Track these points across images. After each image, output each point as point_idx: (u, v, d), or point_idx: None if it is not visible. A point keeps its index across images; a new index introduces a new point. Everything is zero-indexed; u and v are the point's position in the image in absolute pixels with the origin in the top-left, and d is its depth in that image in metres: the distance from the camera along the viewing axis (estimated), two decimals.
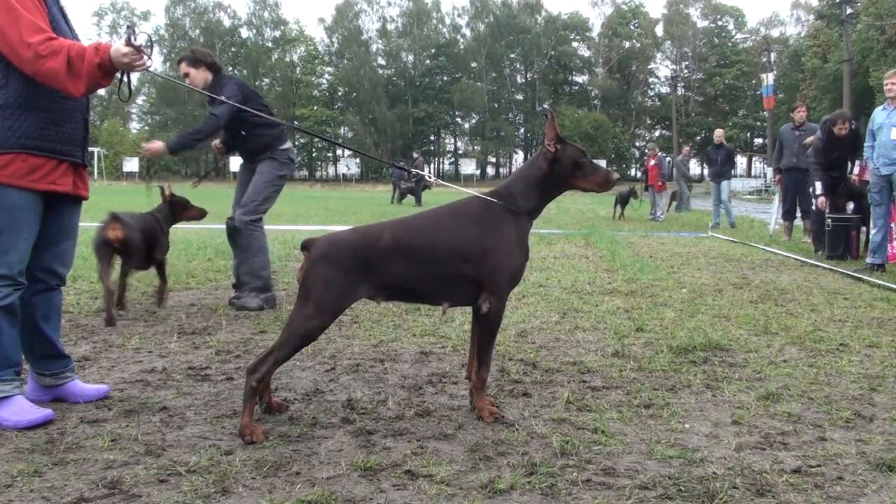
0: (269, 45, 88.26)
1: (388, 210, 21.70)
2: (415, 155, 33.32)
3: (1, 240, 3.25)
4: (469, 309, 3.58)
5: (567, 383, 4.06)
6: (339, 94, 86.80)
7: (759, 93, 45.89)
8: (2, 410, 3.28)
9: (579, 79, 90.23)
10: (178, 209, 6.45)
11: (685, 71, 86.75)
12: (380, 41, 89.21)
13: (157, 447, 3.03)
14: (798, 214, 13.11)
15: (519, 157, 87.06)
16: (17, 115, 3.23)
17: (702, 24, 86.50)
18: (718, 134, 18.41)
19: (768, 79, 27.18)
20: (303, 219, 17.09)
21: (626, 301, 6.60)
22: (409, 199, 26.32)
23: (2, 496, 2.57)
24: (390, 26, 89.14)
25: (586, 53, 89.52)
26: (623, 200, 20.52)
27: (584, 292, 7.09)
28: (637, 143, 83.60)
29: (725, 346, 4.90)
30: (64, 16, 3.48)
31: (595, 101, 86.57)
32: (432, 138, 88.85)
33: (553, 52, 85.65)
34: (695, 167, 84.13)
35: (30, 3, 3.18)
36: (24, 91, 3.22)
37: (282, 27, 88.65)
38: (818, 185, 10.57)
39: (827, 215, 10.28)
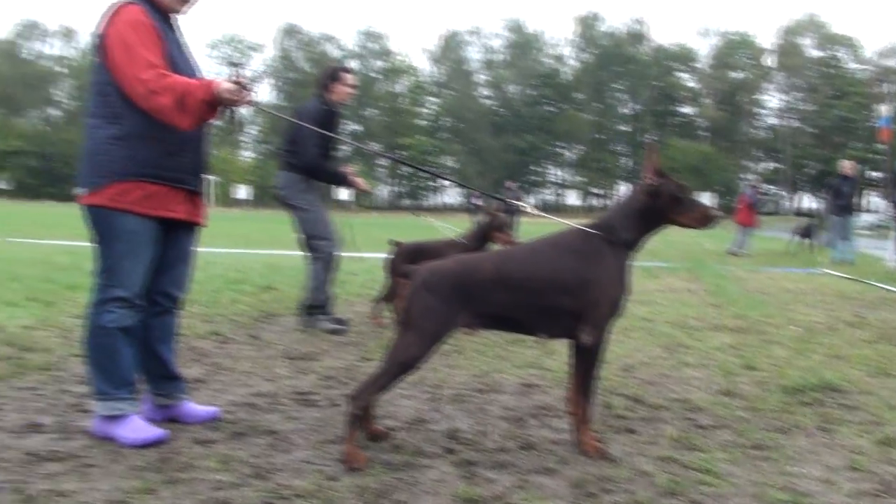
0: (376, 75, 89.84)
1: None
2: (508, 184, 33.27)
3: (121, 264, 3.39)
4: (569, 341, 3.55)
5: (673, 420, 3.98)
6: (444, 124, 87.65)
7: (874, 125, 44.29)
8: (119, 428, 3.40)
9: (686, 110, 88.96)
10: (491, 232, 6.29)
11: (797, 102, 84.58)
12: (485, 72, 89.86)
13: (265, 470, 3.09)
14: None
15: (622, 189, 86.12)
16: (136, 145, 3.38)
17: (815, 54, 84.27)
18: (847, 165, 17.05)
19: (885, 110, 26.28)
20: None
21: (735, 337, 6.44)
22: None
23: None
24: (495, 57, 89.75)
25: (693, 84, 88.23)
26: (805, 233, 20.01)
27: (691, 327, 6.95)
28: (744, 176, 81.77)
29: (840, 387, 4.72)
30: (182, 48, 3.63)
31: (702, 133, 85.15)
32: (535, 169, 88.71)
33: (659, 83, 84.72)
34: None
35: (147, 38, 3.33)
36: (142, 123, 3.37)
37: (388, 58, 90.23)
38: None
39: None
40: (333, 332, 6.33)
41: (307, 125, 5.69)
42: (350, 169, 6.72)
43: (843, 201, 16.40)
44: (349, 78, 6.58)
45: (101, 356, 3.42)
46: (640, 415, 4.08)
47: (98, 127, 3.40)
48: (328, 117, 6.38)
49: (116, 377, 3.43)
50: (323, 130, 5.69)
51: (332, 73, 6.62)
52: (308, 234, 6.60)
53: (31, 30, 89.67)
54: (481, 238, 6.29)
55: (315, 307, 6.53)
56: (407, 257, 6.31)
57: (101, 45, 3.38)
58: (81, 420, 3.72)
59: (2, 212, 36.62)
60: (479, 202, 36.15)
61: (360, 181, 6.78)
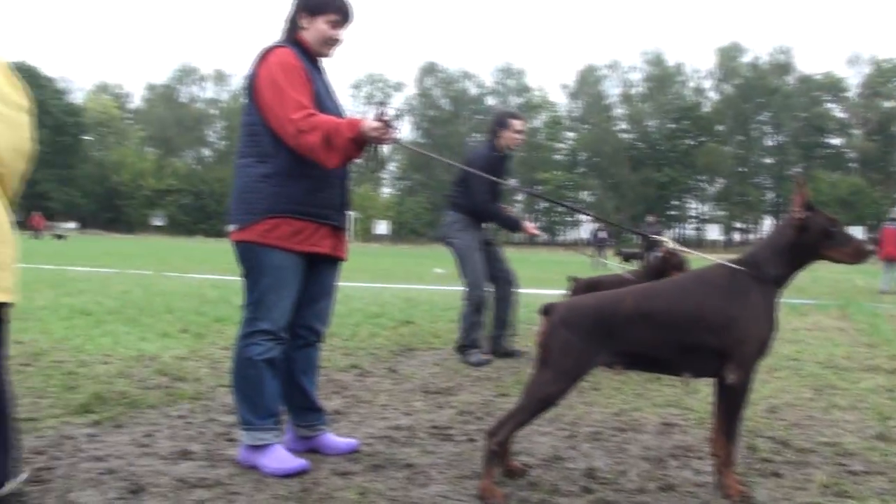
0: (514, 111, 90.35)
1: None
2: (649, 219, 32.70)
3: (267, 297, 3.52)
4: (713, 380, 3.45)
5: (822, 465, 3.80)
6: (581, 158, 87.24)
7: None
8: (263, 458, 3.51)
9: (834, 141, 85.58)
10: (668, 270, 6.05)
11: None
12: (622, 105, 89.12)
13: None
14: None
15: (767, 223, 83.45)
16: (285, 183, 3.51)
17: None
18: None
19: None
20: (542, 283, 17.19)
21: (890, 379, 6.11)
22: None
23: None
24: (633, 91, 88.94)
25: (842, 114, 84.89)
26: None
27: (841, 368, 6.64)
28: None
29: None
30: (328, 88, 3.76)
31: (852, 165, 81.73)
32: (675, 203, 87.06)
33: (805, 114, 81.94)
34: None
35: (296, 80, 3.47)
36: (291, 161, 3.50)
37: (525, 94, 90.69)
38: None
39: None
40: (478, 364, 6.49)
41: (477, 171, 5.88)
42: (512, 211, 6.96)
43: None
44: (516, 124, 6.79)
45: (248, 387, 3.55)
46: (787, 458, 3.92)
47: (248, 166, 3.57)
48: (496, 162, 6.72)
49: (261, 408, 3.55)
50: (491, 175, 5.84)
51: (500, 120, 6.90)
52: (461, 274, 6.85)
53: (187, 74, 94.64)
54: (657, 274, 6.12)
55: (465, 346, 6.72)
56: (584, 293, 6.28)
57: (253, 86, 3.55)
58: (228, 449, 3.86)
59: (157, 247, 38.52)
60: (605, 235, 35.87)
61: (531, 226, 6.98)
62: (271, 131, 3.49)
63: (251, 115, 3.57)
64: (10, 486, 2.56)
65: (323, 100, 3.61)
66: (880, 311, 11.93)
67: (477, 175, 6.17)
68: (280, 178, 3.51)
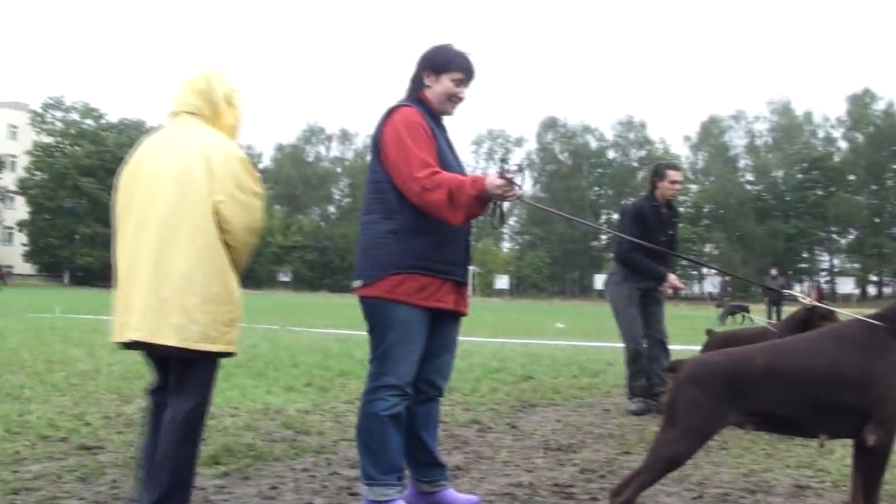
0: (635, 164, 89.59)
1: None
2: (773, 272, 31.73)
3: (394, 352, 3.57)
4: (850, 441, 3.29)
5: None
6: (706, 210, 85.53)
7: None
8: None
9: None
10: (815, 321, 5.63)
11: None
12: (748, 157, 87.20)
13: None
14: None
15: None
16: (410, 239, 3.57)
17: None
18: None
19: None
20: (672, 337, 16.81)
21: None
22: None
23: None
24: (758, 141, 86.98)
25: None
26: None
27: None
28: None
29: None
30: (450, 146, 3.83)
31: None
32: (805, 255, 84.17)
33: None
34: None
35: (421, 138, 3.55)
36: (416, 217, 3.56)
37: (647, 147, 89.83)
38: None
39: None
40: (635, 413, 6.67)
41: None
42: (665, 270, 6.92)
43: None
44: (671, 174, 6.96)
45: (372, 442, 3.59)
46: None
47: (374, 222, 3.64)
48: (651, 213, 6.93)
49: (385, 463, 3.57)
50: (649, 226, 6.48)
51: (657, 171, 7.21)
52: (617, 325, 7.05)
53: (314, 134, 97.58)
54: (799, 326, 5.85)
55: (631, 395, 6.90)
56: (720, 346, 6.12)
57: (378, 144, 3.65)
58: (351, 503, 3.90)
59: (282, 302, 39.54)
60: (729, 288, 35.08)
61: (675, 280, 6.91)
62: (396, 188, 3.56)
63: (377, 172, 3.65)
64: None
65: (446, 157, 3.68)
66: None
67: (625, 226, 6.76)
68: (405, 234, 3.57)
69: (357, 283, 3.66)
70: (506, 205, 3.65)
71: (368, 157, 3.79)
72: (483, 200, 3.45)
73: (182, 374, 3.37)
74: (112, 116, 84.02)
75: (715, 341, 6.48)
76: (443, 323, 3.77)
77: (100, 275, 67.47)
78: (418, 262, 3.57)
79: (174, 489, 3.28)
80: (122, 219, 3.45)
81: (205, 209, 3.29)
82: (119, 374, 8.11)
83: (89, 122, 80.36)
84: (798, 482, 4.50)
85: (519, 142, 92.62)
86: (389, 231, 3.59)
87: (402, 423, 3.62)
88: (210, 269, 3.30)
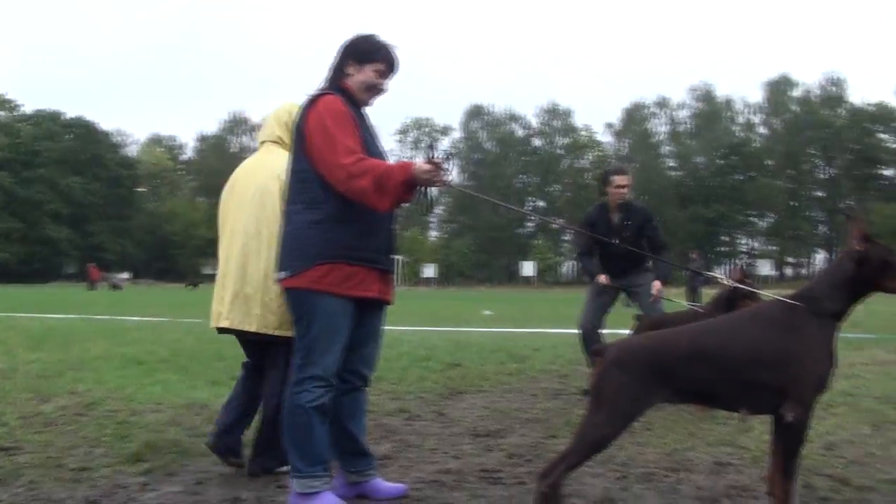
0: (560, 152, 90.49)
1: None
2: (693, 255, 32.48)
3: (319, 343, 3.53)
4: (769, 418, 3.38)
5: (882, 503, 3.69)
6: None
7: None
8: None
9: (888, 172, 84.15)
10: (738, 301, 5.77)
11: None
12: (670, 144, 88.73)
13: None
14: None
15: (819, 257, 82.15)
16: (335, 228, 3.54)
17: None
18: None
19: None
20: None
21: None
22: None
23: None
24: (681, 128, 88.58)
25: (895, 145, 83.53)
26: None
27: None
28: None
29: None
30: (373, 134, 3.80)
31: None
32: (725, 239, 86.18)
33: (857, 146, 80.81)
34: None
35: (345, 126, 3.51)
36: (340, 206, 3.53)
37: (572, 134, 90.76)
38: None
39: None
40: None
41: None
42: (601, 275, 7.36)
43: None
44: (616, 179, 7.18)
45: (298, 435, 3.55)
46: (846, 496, 3.83)
47: (298, 213, 3.60)
48: (597, 219, 7.33)
49: (311, 455, 3.54)
50: (595, 229, 7.11)
51: (603, 177, 7.53)
52: None
53: (237, 124, 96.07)
54: (725, 307, 5.98)
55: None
56: (651, 330, 6.19)
57: (302, 132, 3.59)
58: (279, 496, 3.87)
59: (209, 296, 38.92)
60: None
61: (603, 278, 7.31)
62: (321, 177, 3.52)
63: (300, 161, 3.61)
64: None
65: (370, 145, 3.65)
66: None
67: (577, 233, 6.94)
68: (330, 223, 3.54)
69: (282, 275, 3.62)
70: (434, 192, 3.63)
71: (292, 147, 3.73)
72: (411, 186, 3.43)
73: (269, 352, 4.26)
74: (27, 107, 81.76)
75: (644, 325, 6.57)
76: (368, 312, 3.75)
77: (15, 272, 65.57)
78: (343, 251, 3.54)
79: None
80: (221, 228, 4.39)
81: (277, 220, 3.96)
82: (36, 372, 7.90)
83: (3, 113, 77.96)
84: (719, 459, 4.60)
85: (445, 130, 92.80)
86: (314, 221, 3.55)
87: (327, 414, 3.60)
88: None
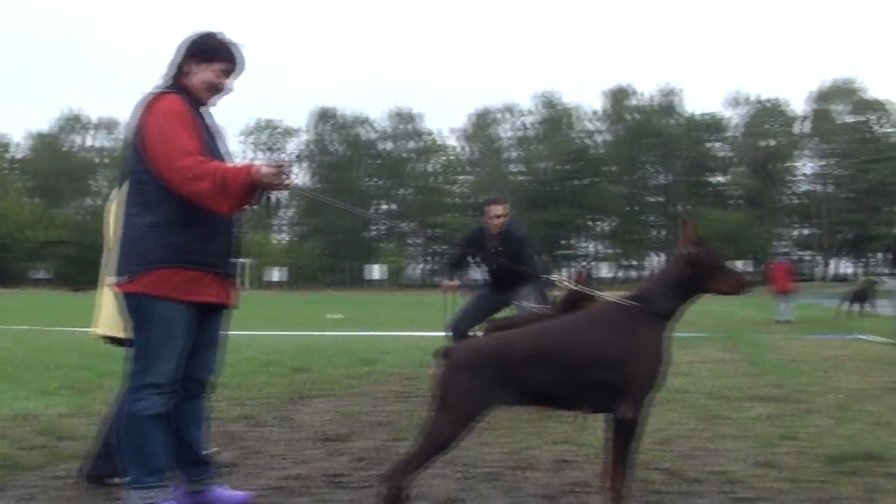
0: (409, 156, 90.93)
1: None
2: (542, 258, 33.30)
3: (156, 349, 3.42)
4: (606, 416, 3.51)
5: (711, 494, 3.90)
6: (476, 201, 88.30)
7: None
8: None
9: (718, 179, 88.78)
10: (579, 302, 5.68)
11: (831, 168, 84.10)
12: (516, 149, 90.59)
13: None
14: None
15: (655, 260, 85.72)
16: (174, 232, 3.43)
17: (848, 119, 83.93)
18: None
19: None
20: (438, 325, 17.23)
21: (773, 407, 6.32)
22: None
23: None
24: (526, 134, 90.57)
25: (724, 153, 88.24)
26: (857, 297, 19.92)
27: (728, 398, 6.84)
28: (777, 243, 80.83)
29: (882, 455, 4.60)
30: (216, 135, 3.71)
31: (735, 201, 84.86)
32: (568, 242, 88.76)
33: (690, 153, 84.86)
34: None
35: (185, 127, 3.41)
36: (179, 210, 3.42)
37: (421, 139, 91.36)
38: None
39: None
40: None
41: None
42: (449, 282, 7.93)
43: None
44: (491, 209, 7.32)
45: (135, 444, 3.43)
46: (678, 489, 4.01)
47: (136, 215, 3.47)
48: (477, 240, 7.57)
49: (149, 465, 3.43)
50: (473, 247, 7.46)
51: (479, 207, 7.84)
52: None
53: (71, 122, 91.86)
54: (567, 309, 6.12)
55: None
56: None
57: (139, 134, 3.46)
58: None
59: (40, 301, 37.16)
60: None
61: (446, 283, 7.88)
62: (158, 180, 3.40)
63: (138, 163, 3.47)
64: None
65: (211, 146, 3.56)
66: (764, 342, 12.36)
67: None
68: (169, 227, 3.43)
69: (119, 280, 3.48)
70: (279, 194, 3.58)
71: (130, 148, 3.58)
72: (253, 189, 3.37)
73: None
74: None
75: (493, 327, 6.67)
76: (208, 317, 3.65)
77: None
78: (182, 255, 3.44)
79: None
80: (104, 238, 4.28)
81: None
82: None
83: None
84: (560, 457, 4.74)
85: (292, 132, 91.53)
86: (152, 224, 3.43)
87: (165, 422, 3.48)
88: None
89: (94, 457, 4.10)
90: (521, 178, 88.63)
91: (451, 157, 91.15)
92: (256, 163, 3.43)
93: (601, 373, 3.29)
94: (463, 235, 8.15)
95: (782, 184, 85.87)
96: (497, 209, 7.32)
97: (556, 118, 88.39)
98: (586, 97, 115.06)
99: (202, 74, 3.59)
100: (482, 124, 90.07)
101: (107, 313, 4.05)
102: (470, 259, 7.84)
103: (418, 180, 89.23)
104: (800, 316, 19.40)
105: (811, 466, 4.39)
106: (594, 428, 5.38)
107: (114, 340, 4.13)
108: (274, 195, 3.59)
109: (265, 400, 6.91)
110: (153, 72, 3.74)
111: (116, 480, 3.94)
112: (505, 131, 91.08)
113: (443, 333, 7.32)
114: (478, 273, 7.82)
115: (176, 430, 3.63)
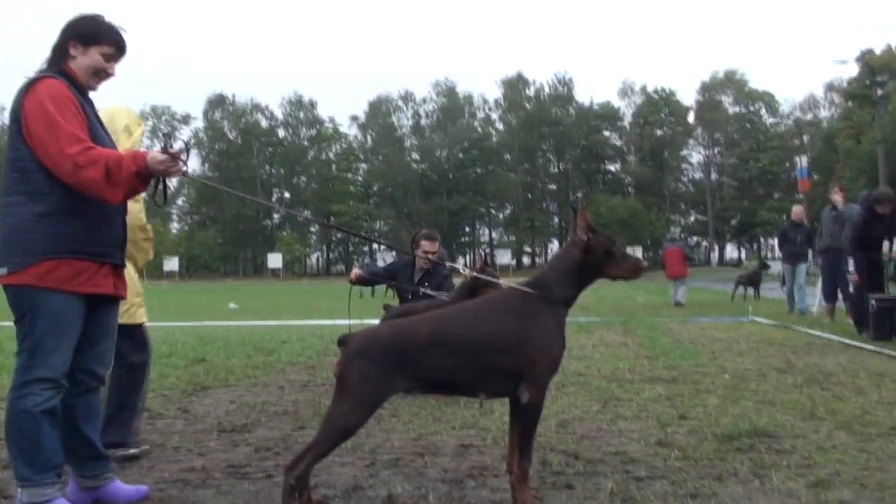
0: (306, 143, 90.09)
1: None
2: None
3: (45, 343, 3.29)
4: (507, 400, 3.55)
5: (610, 474, 3.98)
6: (375, 189, 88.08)
7: (794, 176, 45.68)
8: None
9: (612, 167, 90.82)
10: (480, 289, 5.62)
11: (718, 156, 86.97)
12: (413, 137, 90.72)
13: None
14: (840, 296, 12.88)
15: (553, 246, 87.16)
16: (62, 222, 3.30)
17: (734, 109, 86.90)
18: (797, 211, 16.22)
19: (802, 161, 27.25)
20: (339, 313, 17.12)
21: (668, 388, 6.50)
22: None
23: None
24: (423, 122, 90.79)
25: (618, 142, 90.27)
26: (749, 281, 20.42)
27: (625, 380, 7.00)
28: (672, 229, 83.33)
29: (772, 432, 4.79)
30: (101, 121, 3.59)
31: (629, 189, 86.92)
32: (467, 230, 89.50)
33: (585, 142, 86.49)
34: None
35: (69, 112, 3.28)
36: (68, 198, 3.29)
37: (317, 126, 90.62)
38: (852, 263, 10.58)
39: (871, 296, 10.13)
40: None
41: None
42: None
43: (793, 249, 15.58)
44: (423, 244, 7.58)
45: (25, 441, 3.29)
46: (578, 470, 4.08)
47: (20, 205, 3.31)
48: (402, 267, 7.83)
49: (41, 462, 3.30)
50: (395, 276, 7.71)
51: (412, 239, 7.98)
52: None
53: None
54: (468, 295, 6.15)
55: None
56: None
57: (19, 119, 3.31)
58: None
59: None
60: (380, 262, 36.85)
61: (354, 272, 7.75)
62: (44, 167, 3.27)
63: (19, 150, 3.31)
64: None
65: (97, 133, 3.44)
66: (658, 326, 12.70)
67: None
68: (56, 216, 3.29)
69: (1, 272, 3.34)
70: (172, 183, 3.49)
71: (10, 134, 3.42)
72: (144, 177, 3.27)
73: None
74: None
75: (392, 314, 6.66)
76: (101, 309, 3.54)
77: None
78: (72, 245, 3.32)
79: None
80: None
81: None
82: None
83: None
84: (462, 442, 4.78)
85: (186, 119, 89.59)
86: (38, 214, 3.28)
87: (57, 417, 3.36)
88: None
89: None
90: (418, 165, 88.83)
91: (347, 146, 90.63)
92: (148, 150, 3.32)
93: (501, 358, 3.32)
94: (393, 263, 8.38)
95: (675, 172, 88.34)
96: (427, 245, 7.56)
97: (452, 107, 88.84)
98: (481, 86, 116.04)
99: (86, 58, 3.45)
100: (379, 112, 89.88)
101: None
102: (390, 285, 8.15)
103: (315, 168, 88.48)
104: (693, 299, 19.99)
105: (705, 445, 4.53)
106: (497, 412, 5.46)
107: None
108: (166, 183, 3.50)
109: (162, 392, 6.76)
110: (38, 57, 3.59)
111: (132, 451, 4.44)
112: (402, 119, 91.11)
113: (344, 322, 7.29)
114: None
115: (69, 425, 3.51)
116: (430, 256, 7.46)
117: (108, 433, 4.21)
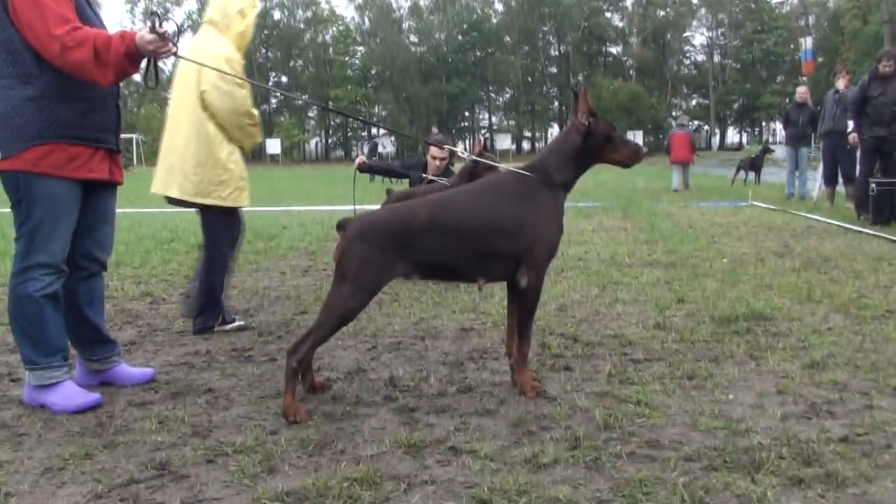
0: (302, 26, 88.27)
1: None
2: (434, 130, 33.19)
3: (42, 229, 3.29)
4: (507, 284, 3.57)
5: (608, 356, 4.04)
6: (373, 73, 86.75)
7: (798, 58, 44.85)
8: (52, 396, 3.34)
9: (614, 50, 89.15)
10: (480, 174, 5.69)
11: (721, 38, 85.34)
12: (411, 19, 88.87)
13: (204, 428, 3.07)
14: (840, 180, 12.86)
15: (553, 131, 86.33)
16: (54, 106, 3.25)
17: None
18: (802, 92, 15.81)
19: (807, 43, 26.69)
20: (339, 199, 17.10)
21: (667, 272, 6.55)
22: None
23: (55, 478, 2.62)
24: (422, 3, 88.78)
25: (620, 24, 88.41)
26: (751, 166, 20.27)
27: (624, 265, 7.05)
28: (674, 113, 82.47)
29: (768, 315, 4.85)
30: (90, 4, 3.49)
31: (630, 72, 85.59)
32: (466, 114, 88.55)
33: (586, 24, 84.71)
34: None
35: None
36: (59, 81, 3.23)
37: (313, 7, 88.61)
38: (851, 124, 10.68)
39: (871, 180, 10.11)
40: None
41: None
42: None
43: (795, 131, 15.29)
44: (432, 150, 7.47)
45: (29, 325, 3.33)
46: (576, 352, 4.14)
47: (9, 87, 3.24)
48: (417, 165, 7.83)
49: (46, 345, 3.35)
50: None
51: (424, 147, 8.09)
52: None
53: None
54: (468, 179, 6.12)
55: None
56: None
57: (7, 0, 3.22)
58: (12, 389, 3.66)
59: None
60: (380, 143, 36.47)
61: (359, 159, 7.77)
62: (33, 49, 3.19)
63: (6, 30, 3.22)
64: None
65: (86, 13, 3.34)
66: (658, 211, 12.70)
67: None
68: (48, 100, 3.23)
69: None
70: (167, 65, 3.41)
71: None
72: (134, 58, 3.19)
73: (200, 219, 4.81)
74: None
75: (393, 199, 6.65)
76: (97, 194, 3.52)
77: None
78: (66, 130, 3.27)
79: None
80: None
81: (195, 97, 4.49)
82: None
83: None
84: (463, 325, 4.84)
85: (178, 1, 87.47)
86: (28, 97, 3.22)
87: (59, 301, 3.39)
88: (199, 143, 4.51)
89: (198, 311, 4.82)
90: (416, 48, 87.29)
91: (344, 28, 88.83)
92: (137, 29, 3.23)
93: (499, 242, 3.32)
94: (409, 160, 8.46)
95: (678, 54, 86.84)
96: (437, 151, 7.47)
97: None
98: None
99: None
100: None
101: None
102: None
103: (312, 51, 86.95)
104: (693, 184, 19.94)
105: (702, 328, 4.59)
106: (497, 296, 5.51)
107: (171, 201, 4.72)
108: (157, 64, 3.43)
109: (164, 278, 6.82)
110: None
111: (227, 328, 4.85)
112: (399, 1, 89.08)
113: (344, 207, 7.30)
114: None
115: (74, 310, 3.55)
116: (437, 162, 7.43)
117: (204, 318, 4.79)
